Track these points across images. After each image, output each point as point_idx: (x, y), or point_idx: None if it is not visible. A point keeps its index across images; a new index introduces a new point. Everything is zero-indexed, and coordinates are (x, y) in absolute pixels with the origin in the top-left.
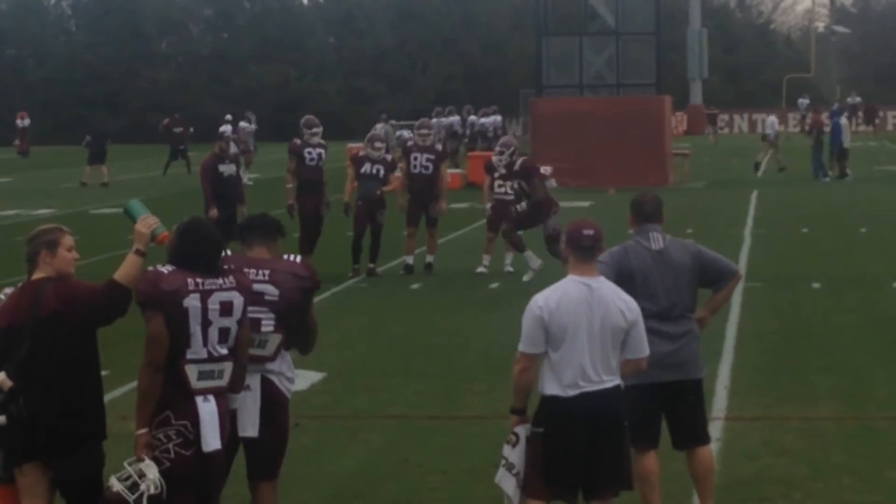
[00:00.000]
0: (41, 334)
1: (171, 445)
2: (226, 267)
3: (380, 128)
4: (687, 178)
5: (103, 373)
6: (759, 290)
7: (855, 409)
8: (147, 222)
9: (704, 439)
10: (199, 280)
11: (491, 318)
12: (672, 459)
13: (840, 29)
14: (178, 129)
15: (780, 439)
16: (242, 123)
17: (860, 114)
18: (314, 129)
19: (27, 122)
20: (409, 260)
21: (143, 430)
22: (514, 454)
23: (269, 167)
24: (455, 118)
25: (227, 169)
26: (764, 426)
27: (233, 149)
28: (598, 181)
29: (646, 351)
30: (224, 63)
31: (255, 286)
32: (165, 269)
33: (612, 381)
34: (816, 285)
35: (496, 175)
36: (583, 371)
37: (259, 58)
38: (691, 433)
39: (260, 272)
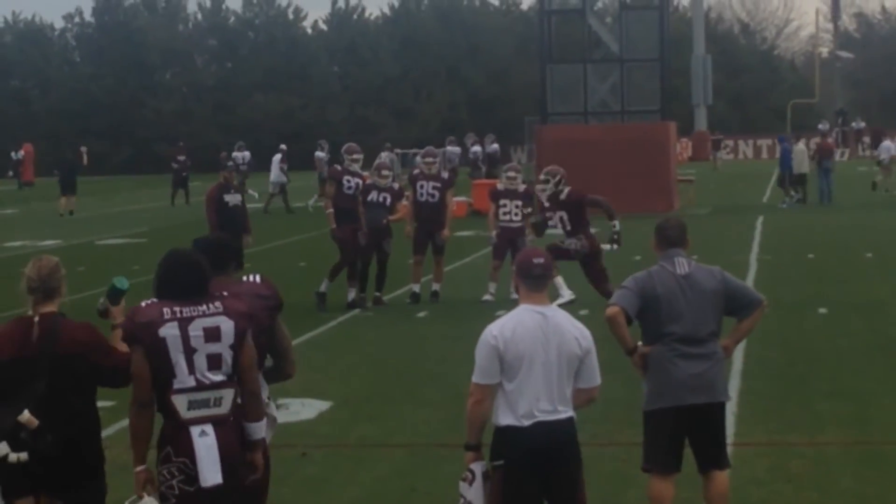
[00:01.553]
0: (60, 370)
1: (174, 482)
2: (220, 293)
3: (384, 156)
4: (692, 204)
5: (110, 403)
6: (766, 316)
7: (862, 435)
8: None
9: (724, 464)
10: (176, 308)
11: None
12: (680, 487)
13: (844, 54)
14: (181, 158)
15: (787, 465)
16: (318, 153)
17: (865, 139)
18: (355, 156)
19: (21, 153)
20: (416, 288)
21: (139, 468)
22: (472, 492)
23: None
24: (456, 149)
25: (232, 198)
26: (771, 452)
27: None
28: None
29: (597, 380)
30: (228, 93)
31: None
32: (144, 302)
33: (567, 411)
34: (823, 311)
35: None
36: (538, 400)
37: (263, 87)
38: (713, 457)
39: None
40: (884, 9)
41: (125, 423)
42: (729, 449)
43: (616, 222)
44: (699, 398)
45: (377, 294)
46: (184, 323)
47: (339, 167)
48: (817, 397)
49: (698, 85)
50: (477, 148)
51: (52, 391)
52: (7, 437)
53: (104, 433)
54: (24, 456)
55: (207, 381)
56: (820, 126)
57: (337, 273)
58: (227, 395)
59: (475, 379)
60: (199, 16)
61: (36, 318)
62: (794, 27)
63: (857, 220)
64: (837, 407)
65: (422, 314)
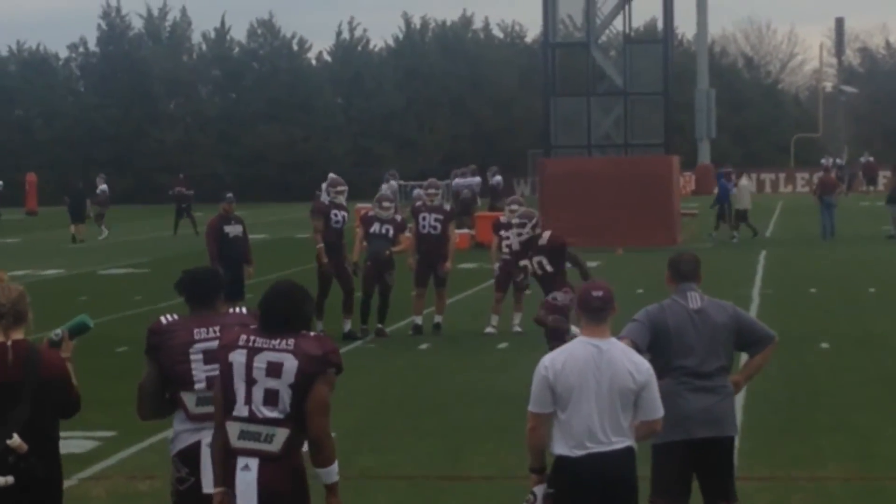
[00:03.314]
0: (41, 395)
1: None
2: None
3: (385, 188)
4: (695, 237)
5: (111, 434)
6: None
7: (863, 470)
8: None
9: (732, 498)
10: (252, 337)
11: (499, 379)
12: None
13: (848, 89)
14: (180, 189)
15: (789, 499)
16: (385, 185)
17: (860, 174)
18: (339, 188)
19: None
20: (418, 320)
21: (217, 490)
22: None
23: (277, 227)
24: (476, 179)
25: (232, 229)
26: (773, 486)
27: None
28: (607, 241)
29: (660, 412)
30: (232, 123)
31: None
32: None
33: (622, 442)
34: (825, 345)
35: (513, 248)
36: (590, 432)
37: (267, 118)
38: (721, 491)
39: (211, 330)
40: (888, 43)
41: (125, 453)
42: None
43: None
44: (708, 432)
45: (379, 326)
46: (252, 352)
47: (325, 201)
48: (819, 432)
49: (702, 119)
50: (498, 178)
51: (35, 416)
52: None
53: (105, 463)
54: (10, 479)
55: (260, 415)
56: (823, 161)
57: (321, 306)
58: (281, 433)
59: (530, 407)
60: (204, 46)
61: (9, 343)
62: (798, 61)
63: (859, 254)
64: (839, 442)
65: (424, 346)
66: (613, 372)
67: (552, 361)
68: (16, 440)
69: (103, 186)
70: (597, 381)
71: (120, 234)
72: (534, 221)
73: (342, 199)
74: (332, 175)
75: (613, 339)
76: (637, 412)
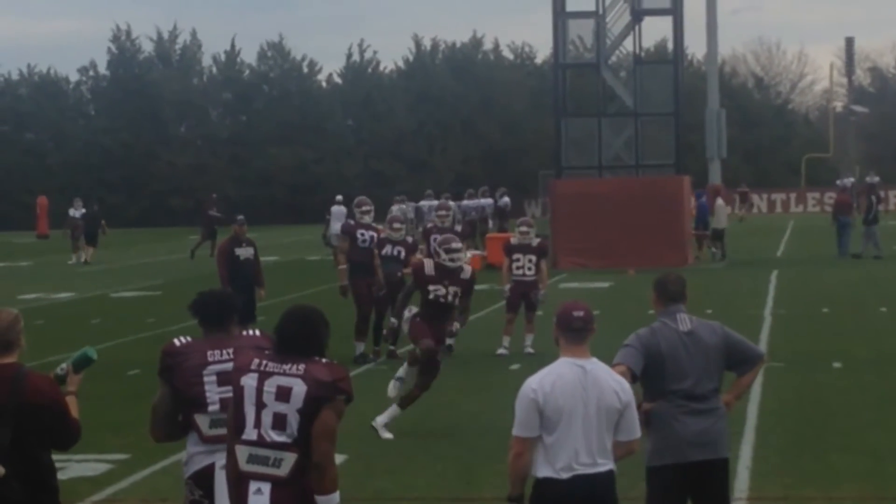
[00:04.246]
0: (25, 420)
1: None
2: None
3: (395, 209)
4: (706, 258)
5: (125, 456)
6: (780, 370)
7: (876, 489)
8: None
9: None
10: (264, 361)
11: (511, 400)
12: None
13: (858, 108)
14: (212, 211)
15: None
16: (395, 207)
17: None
18: (364, 208)
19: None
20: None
21: None
22: None
23: (289, 249)
24: (488, 200)
25: (243, 252)
26: None
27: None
28: (618, 262)
29: (638, 433)
30: (243, 146)
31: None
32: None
33: (607, 464)
34: (837, 365)
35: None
36: (577, 454)
37: (278, 141)
38: None
39: (224, 352)
40: None
41: (138, 476)
42: None
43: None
44: (702, 455)
45: (391, 348)
46: (263, 377)
47: (351, 221)
48: (832, 452)
49: (712, 139)
50: (506, 199)
51: (17, 441)
52: None
53: (118, 486)
54: None
55: (268, 439)
56: (838, 182)
57: (361, 327)
58: (289, 458)
59: (515, 432)
60: (214, 69)
61: None
62: (808, 81)
63: (870, 274)
64: (852, 461)
65: None
66: (600, 392)
67: (540, 384)
68: None
69: (82, 211)
70: (584, 402)
71: (132, 257)
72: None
73: (369, 219)
74: (359, 197)
75: (595, 359)
76: (617, 432)
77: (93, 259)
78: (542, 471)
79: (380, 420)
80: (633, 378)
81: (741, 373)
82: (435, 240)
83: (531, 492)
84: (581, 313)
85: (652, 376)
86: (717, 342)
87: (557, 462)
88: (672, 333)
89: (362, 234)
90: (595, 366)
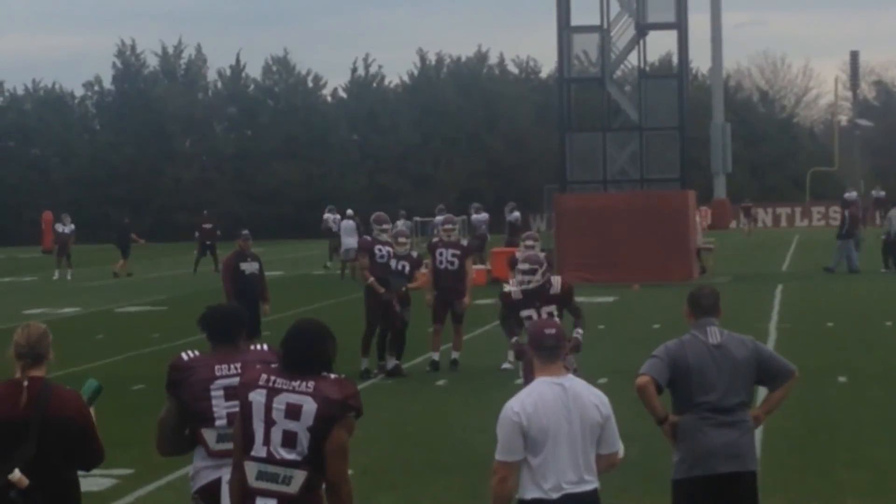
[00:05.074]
0: (50, 434)
1: None
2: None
3: (400, 224)
4: (711, 272)
5: (129, 472)
6: None
7: None
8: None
9: None
10: (273, 377)
11: None
12: None
13: (863, 122)
14: (207, 226)
15: None
16: (401, 222)
17: (871, 208)
18: (384, 226)
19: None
20: (436, 356)
21: None
22: None
23: (295, 264)
24: (484, 215)
25: (248, 266)
26: None
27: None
28: (623, 276)
29: (618, 445)
30: (248, 161)
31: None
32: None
33: (592, 482)
34: (842, 379)
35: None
36: (565, 473)
37: (283, 155)
38: None
39: (232, 367)
40: None
41: (143, 491)
42: None
43: (581, 330)
44: (729, 467)
45: (396, 362)
46: (272, 393)
47: (368, 238)
48: (837, 466)
49: (717, 153)
50: (516, 214)
51: (42, 454)
52: None
53: (123, 501)
54: None
55: (278, 457)
56: (846, 195)
57: (367, 343)
58: (299, 476)
59: (499, 457)
60: (219, 84)
61: (25, 382)
62: (813, 95)
63: (876, 288)
64: (857, 476)
65: (441, 382)
66: (582, 409)
67: (522, 406)
68: (16, 474)
69: (71, 227)
70: (568, 420)
71: (137, 273)
72: (544, 267)
73: (386, 237)
74: (377, 213)
75: (571, 375)
76: (599, 445)
77: (123, 271)
78: (530, 492)
79: None
80: (657, 389)
81: (772, 388)
82: (441, 254)
83: None
84: (553, 331)
85: (679, 388)
86: (747, 356)
87: (546, 483)
88: (701, 346)
89: (380, 250)
90: (573, 382)
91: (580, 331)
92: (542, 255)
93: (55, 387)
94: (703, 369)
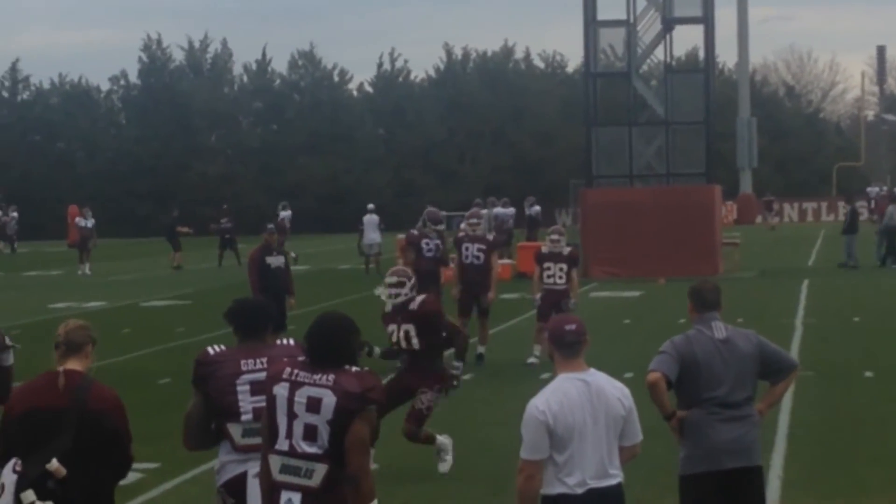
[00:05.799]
0: (86, 426)
1: None
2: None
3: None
4: (737, 267)
5: (154, 465)
6: (811, 380)
7: None
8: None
9: None
10: (296, 371)
11: None
12: None
13: (890, 117)
14: (224, 220)
15: None
16: (497, 208)
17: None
18: (439, 227)
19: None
20: None
21: None
22: None
23: (319, 259)
24: (510, 210)
25: (274, 260)
26: None
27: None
28: (649, 271)
29: (639, 436)
30: (273, 155)
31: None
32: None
33: (617, 476)
34: (868, 374)
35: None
36: (590, 468)
37: (308, 150)
38: None
39: (258, 361)
40: None
41: (168, 485)
42: None
43: (460, 364)
44: (737, 462)
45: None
46: (294, 386)
47: (415, 232)
48: (862, 462)
49: (743, 148)
50: (536, 208)
51: (78, 445)
52: (34, 486)
53: (148, 495)
54: None
55: (299, 450)
56: (868, 189)
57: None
58: (320, 469)
59: (525, 455)
60: (245, 78)
61: (60, 369)
62: (839, 90)
63: None
64: (882, 472)
65: (467, 376)
66: (606, 403)
67: (547, 404)
68: (54, 464)
69: (91, 221)
70: (592, 416)
71: (162, 267)
72: (412, 281)
73: (434, 234)
74: (431, 209)
75: (593, 370)
76: (622, 438)
77: (178, 263)
78: (555, 488)
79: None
80: (668, 385)
81: (775, 382)
82: (467, 249)
83: None
84: (573, 326)
85: (686, 384)
86: (752, 350)
87: (571, 478)
88: (707, 341)
89: (427, 244)
90: (595, 377)
91: (458, 364)
92: (409, 270)
93: (95, 382)
94: (710, 364)
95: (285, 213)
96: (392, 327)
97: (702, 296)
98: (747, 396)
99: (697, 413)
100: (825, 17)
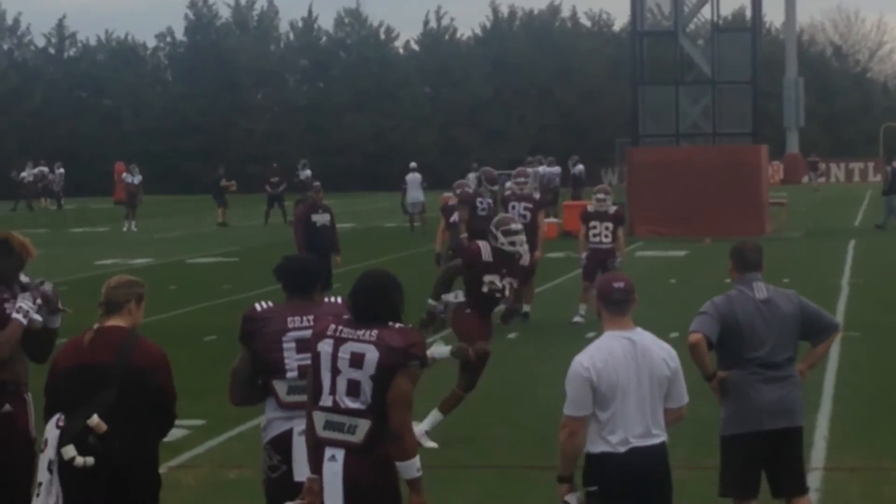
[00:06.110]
0: (131, 382)
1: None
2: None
3: (471, 177)
4: (784, 227)
5: (201, 422)
6: (857, 341)
7: None
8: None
9: (804, 489)
10: (340, 327)
11: None
12: None
13: None
14: (274, 179)
15: (880, 490)
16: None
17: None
18: (494, 188)
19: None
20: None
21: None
22: None
23: (366, 216)
24: (556, 168)
25: (319, 218)
26: (863, 477)
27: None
28: (695, 230)
29: (685, 399)
30: (320, 113)
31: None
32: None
33: (661, 435)
34: None
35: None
36: (633, 427)
37: (354, 108)
38: (793, 482)
39: (305, 319)
40: None
41: (213, 442)
42: (820, 474)
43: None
44: (779, 423)
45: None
46: (338, 343)
47: (469, 190)
48: None
49: (790, 108)
50: (580, 167)
51: (122, 402)
52: (75, 441)
53: (194, 452)
54: (90, 460)
55: (343, 406)
56: None
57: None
58: (363, 424)
59: (568, 412)
60: (291, 35)
61: (95, 326)
62: (887, 50)
63: None
64: None
65: (512, 335)
66: (651, 363)
67: (591, 361)
68: (94, 419)
69: (139, 177)
70: (637, 375)
71: (208, 224)
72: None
73: (489, 193)
74: (486, 168)
75: (640, 329)
76: (667, 399)
77: (224, 219)
78: (598, 446)
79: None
80: (709, 345)
81: (816, 342)
82: (513, 208)
83: (586, 468)
84: (622, 284)
85: (727, 344)
86: (793, 311)
87: (614, 437)
88: (749, 301)
89: (481, 202)
90: (642, 336)
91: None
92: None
93: (141, 338)
94: (752, 325)
95: (305, 173)
96: (493, 277)
97: (743, 256)
98: (788, 357)
99: (739, 374)
100: None
